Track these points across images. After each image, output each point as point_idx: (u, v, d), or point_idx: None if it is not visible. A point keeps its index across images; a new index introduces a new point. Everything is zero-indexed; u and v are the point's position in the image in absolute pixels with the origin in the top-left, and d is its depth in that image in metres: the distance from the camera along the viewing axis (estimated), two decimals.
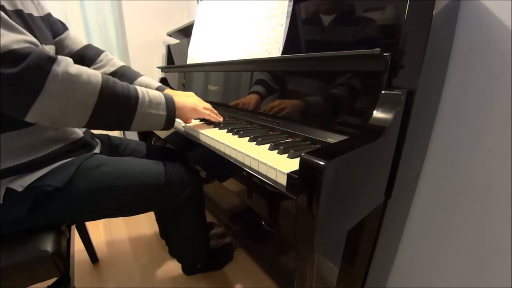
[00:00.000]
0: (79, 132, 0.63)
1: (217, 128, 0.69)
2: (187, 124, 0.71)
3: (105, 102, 0.47)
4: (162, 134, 0.91)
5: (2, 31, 0.39)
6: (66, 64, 0.43)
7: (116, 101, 0.49)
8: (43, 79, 0.40)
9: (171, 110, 0.59)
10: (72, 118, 0.45)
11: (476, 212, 0.61)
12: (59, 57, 0.43)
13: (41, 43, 0.59)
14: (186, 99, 0.68)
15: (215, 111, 0.73)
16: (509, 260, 0.57)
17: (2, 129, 0.49)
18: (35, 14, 0.60)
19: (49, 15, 0.69)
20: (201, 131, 0.65)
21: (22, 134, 0.51)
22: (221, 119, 0.74)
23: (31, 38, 0.43)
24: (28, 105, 0.40)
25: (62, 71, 0.41)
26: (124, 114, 0.52)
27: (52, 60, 0.41)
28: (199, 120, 0.79)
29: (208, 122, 0.75)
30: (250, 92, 0.77)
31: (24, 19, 0.54)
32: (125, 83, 0.52)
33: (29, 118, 0.42)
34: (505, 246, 0.57)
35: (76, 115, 0.45)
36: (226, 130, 0.66)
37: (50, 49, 0.62)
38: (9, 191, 0.51)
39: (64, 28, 0.75)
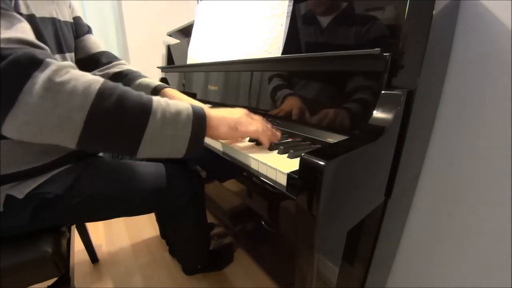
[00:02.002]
0: None
1: None
2: None
3: (99, 119, 0.36)
4: None
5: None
6: (53, 69, 0.34)
7: (115, 119, 0.37)
8: (19, 87, 0.32)
9: (198, 129, 0.43)
10: (56, 137, 0.36)
11: (476, 212, 0.61)
12: (48, 60, 0.34)
13: (64, 52, 0.60)
14: (224, 112, 0.50)
15: (269, 124, 0.54)
16: (509, 260, 0.57)
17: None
18: (66, 19, 0.62)
19: (78, 17, 0.71)
20: None
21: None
22: (278, 136, 0.54)
23: (31, 39, 0.37)
24: (1, 118, 0.33)
25: (43, 79, 0.33)
26: (128, 135, 0.39)
27: (36, 64, 0.33)
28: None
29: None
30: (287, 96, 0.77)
31: (56, 28, 0.55)
32: (139, 93, 0.41)
33: (5, 133, 0.34)
34: (505, 246, 0.57)
35: (60, 133, 0.35)
36: None
37: (70, 57, 0.63)
38: (9, 198, 0.50)
39: (89, 31, 0.76)
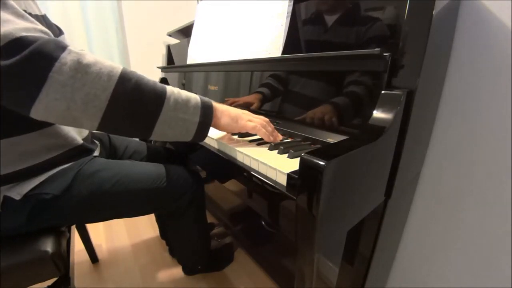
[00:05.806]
0: (79, 139, 0.60)
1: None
2: None
3: (121, 99, 0.40)
4: None
5: (12, 18, 0.37)
6: (78, 53, 0.38)
7: (135, 100, 0.42)
8: (49, 67, 0.35)
9: (206, 115, 0.49)
10: (82, 116, 0.39)
11: (476, 212, 0.61)
12: (71, 47, 0.38)
13: None
14: (229, 107, 0.55)
15: (271, 126, 0.57)
16: (509, 260, 0.57)
17: (2, 135, 0.47)
18: (37, 13, 0.60)
19: (45, 16, 0.69)
20: None
21: (22, 140, 0.49)
22: (279, 138, 0.58)
23: (43, 28, 0.39)
24: (32, 99, 0.35)
25: (72, 60, 0.36)
26: (145, 116, 0.44)
27: (62, 48, 0.36)
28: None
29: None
30: (253, 93, 0.77)
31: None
32: (154, 80, 0.45)
33: (34, 114, 0.37)
34: (505, 246, 0.57)
35: (86, 112, 0.39)
36: None
37: None
38: (6, 200, 0.50)
39: (60, 32, 0.72)
